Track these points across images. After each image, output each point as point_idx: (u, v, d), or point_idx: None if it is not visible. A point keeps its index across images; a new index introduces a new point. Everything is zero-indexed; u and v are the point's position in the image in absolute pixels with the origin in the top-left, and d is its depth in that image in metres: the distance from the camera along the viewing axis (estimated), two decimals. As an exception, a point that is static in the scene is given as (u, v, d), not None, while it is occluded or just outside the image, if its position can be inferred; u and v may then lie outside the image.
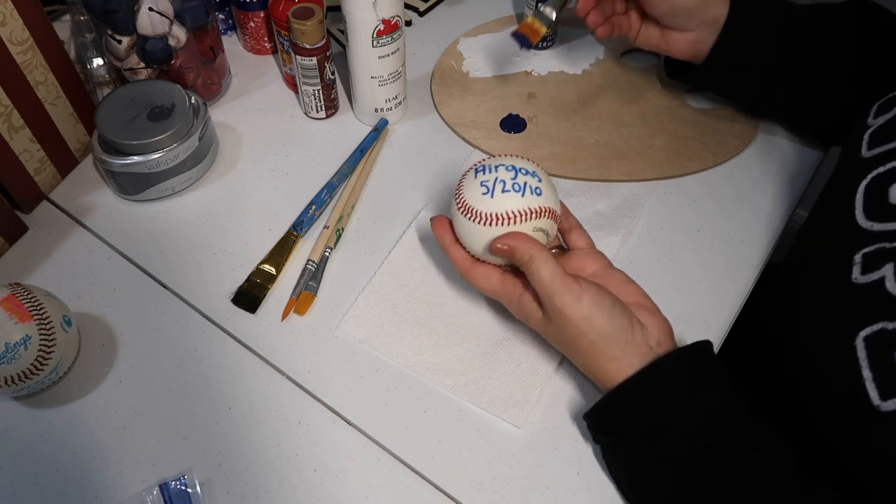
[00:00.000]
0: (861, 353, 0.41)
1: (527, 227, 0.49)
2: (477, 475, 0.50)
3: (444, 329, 0.56)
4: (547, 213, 0.49)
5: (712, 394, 0.46)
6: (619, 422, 0.47)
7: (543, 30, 0.62)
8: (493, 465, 0.50)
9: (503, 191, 0.48)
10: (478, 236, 0.50)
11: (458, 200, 0.50)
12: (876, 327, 0.41)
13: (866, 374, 0.41)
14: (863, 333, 0.42)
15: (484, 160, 0.51)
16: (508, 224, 0.48)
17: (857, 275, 0.44)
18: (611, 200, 0.65)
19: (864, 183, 0.46)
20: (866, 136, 0.49)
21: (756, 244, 0.62)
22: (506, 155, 0.51)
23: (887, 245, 0.43)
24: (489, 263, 0.52)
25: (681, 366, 0.46)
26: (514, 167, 0.49)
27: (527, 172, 0.49)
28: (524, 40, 0.62)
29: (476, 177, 0.50)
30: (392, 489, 0.49)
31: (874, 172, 0.46)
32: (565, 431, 0.52)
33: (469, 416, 0.52)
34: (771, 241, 0.63)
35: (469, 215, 0.49)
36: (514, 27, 0.67)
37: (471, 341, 0.56)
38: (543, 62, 0.77)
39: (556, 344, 0.51)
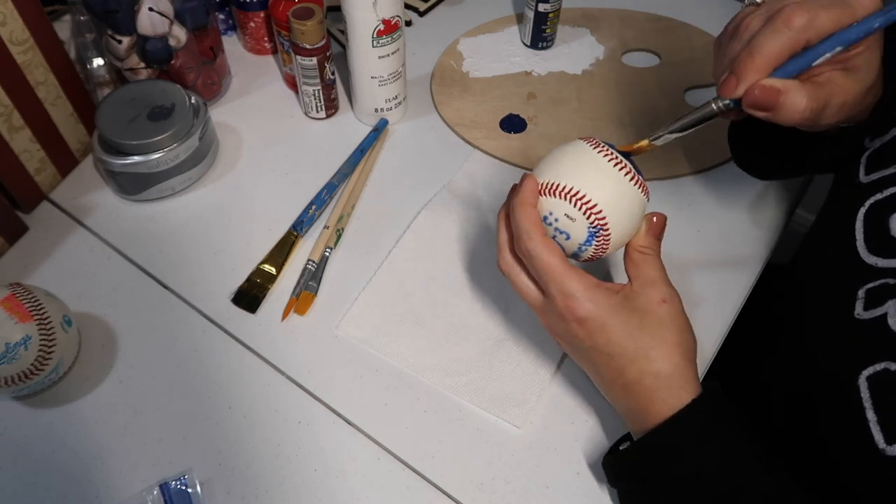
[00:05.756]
0: (864, 394, 0.40)
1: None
2: (477, 475, 0.50)
3: (444, 329, 0.56)
4: None
5: (730, 443, 0.42)
6: (646, 469, 0.44)
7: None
8: (493, 465, 0.50)
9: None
10: (636, 221, 0.48)
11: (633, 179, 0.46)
12: (879, 367, 0.40)
13: (870, 415, 0.39)
14: (865, 373, 0.40)
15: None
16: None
17: (860, 310, 0.42)
18: (611, 200, 0.64)
19: (862, 210, 0.45)
20: (864, 159, 0.47)
21: (756, 244, 0.62)
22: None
23: (891, 281, 0.41)
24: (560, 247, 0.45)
25: (707, 416, 0.43)
26: None
27: None
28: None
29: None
30: (392, 489, 0.49)
31: (872, 199, 0.44)
32: (565, 431, 0.52)
33: (469, 416, 0.52)
34: (771, 241, 0.63)
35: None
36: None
37: (471, 341, 0.56)
38: (543, 62, 0.77)
39: (596, 348, 0.44)
